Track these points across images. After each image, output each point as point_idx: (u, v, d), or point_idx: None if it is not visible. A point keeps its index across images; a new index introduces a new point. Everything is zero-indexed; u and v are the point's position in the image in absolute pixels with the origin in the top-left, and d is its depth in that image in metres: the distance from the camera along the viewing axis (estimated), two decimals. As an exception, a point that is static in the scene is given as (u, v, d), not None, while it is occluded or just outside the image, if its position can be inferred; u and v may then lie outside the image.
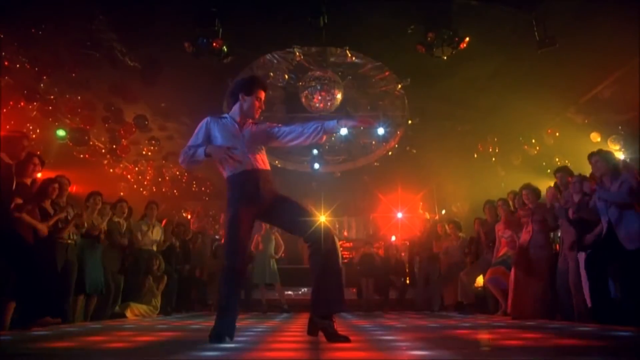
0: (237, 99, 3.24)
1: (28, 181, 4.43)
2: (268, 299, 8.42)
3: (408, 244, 9.56)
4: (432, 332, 3.74)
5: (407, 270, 9.38)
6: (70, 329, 4.23)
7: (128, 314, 6.15)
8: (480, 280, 6.93)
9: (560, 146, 9.86)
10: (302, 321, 5.24)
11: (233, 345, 2.71)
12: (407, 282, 9.33)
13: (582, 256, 4.59)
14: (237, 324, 2.98)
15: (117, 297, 6.33)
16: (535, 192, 5.67)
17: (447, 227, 7.96)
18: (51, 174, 5.39)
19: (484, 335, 3.50)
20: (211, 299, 8.36)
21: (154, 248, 6.97)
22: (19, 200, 4.15)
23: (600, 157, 4.43)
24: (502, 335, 3.43)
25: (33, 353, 2.60)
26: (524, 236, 5.57)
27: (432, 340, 3.03)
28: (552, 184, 5.82)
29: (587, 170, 5.53)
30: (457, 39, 6.55)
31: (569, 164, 7.58)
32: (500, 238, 6.28)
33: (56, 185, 4.86)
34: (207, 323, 4.88)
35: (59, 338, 3.31)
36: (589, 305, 4.40)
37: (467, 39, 6.58)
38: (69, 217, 5.08)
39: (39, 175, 4.89)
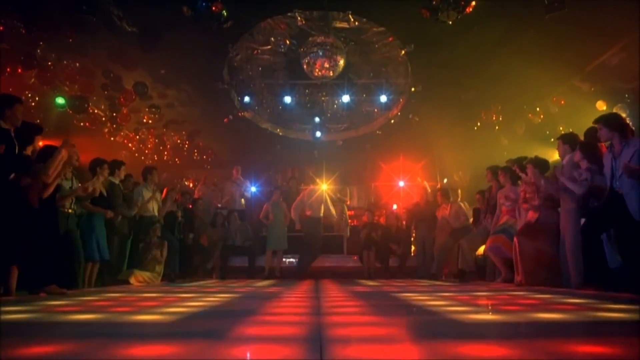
0: None
1: (29, 150, 4.39)
2: (271, 266, 8.52)
3: (404, 212, 9.60)
4: (432, 297, 3.78)
5: (411, 239, 9.45)
6: (76, 294, 4.29)
7: (132, 280, 6.23)
8: (480, 249, 6.96)
9: (565, 115, 9.75)
10: (303, 287, 5.32)
11: (237, 309, 2.74)
12: (412, 249, 9.41)
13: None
14: (239, 290, 3.01)
15: (122, 264, 6.41)
16: (543, 165, 5.51)
17: (437, 196, 7.97)
18: (51, 143, 5.33)
19: (483, 301, 3.54)
20: (212, 266, 8.47)
21: (155, 214, 6.98)
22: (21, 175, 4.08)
23: (602, 124, 4.29)
24: (501, 301, 3.47)
25: (38, 316, 2.64)
26: (530, 213, 5.49)
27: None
28: (555, 152, 5.69)
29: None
30: (462, 2, 6.40)
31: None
32: (501, 206, 6.27)
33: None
34: (210, 289, 4.96)
35: (66, 303, 3.36)
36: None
37: (473, 2, 6.43)
38: (72, 188, 5.08)
39: (40, 144, 4.83)
